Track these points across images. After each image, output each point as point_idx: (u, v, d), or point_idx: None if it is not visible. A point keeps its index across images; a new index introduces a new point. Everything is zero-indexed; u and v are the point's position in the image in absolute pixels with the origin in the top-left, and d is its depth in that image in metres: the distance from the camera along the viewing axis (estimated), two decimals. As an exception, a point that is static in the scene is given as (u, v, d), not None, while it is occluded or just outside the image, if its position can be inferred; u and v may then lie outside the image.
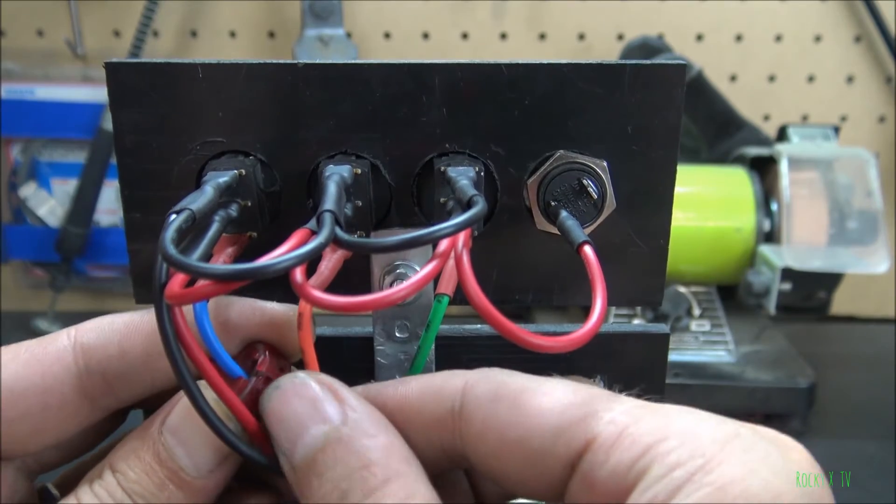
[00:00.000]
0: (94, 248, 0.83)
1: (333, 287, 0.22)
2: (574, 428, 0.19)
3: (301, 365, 0.23)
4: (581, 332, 0.20)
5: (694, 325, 0.72)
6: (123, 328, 0.23)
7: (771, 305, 0.69)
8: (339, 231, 0.20)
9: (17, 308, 0.86)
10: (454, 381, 0.21)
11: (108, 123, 0.79)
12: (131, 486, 0.21)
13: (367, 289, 0.26)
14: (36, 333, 0.83)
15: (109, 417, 0.25)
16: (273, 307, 0.24)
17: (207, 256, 0.21)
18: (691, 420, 0.19)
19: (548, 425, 0.20)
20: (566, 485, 0.19)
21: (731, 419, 0.19)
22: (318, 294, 0.19)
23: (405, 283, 0.19)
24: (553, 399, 0.20)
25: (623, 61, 0.24)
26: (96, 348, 0.23)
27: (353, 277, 0.26)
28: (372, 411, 0.21)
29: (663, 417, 0.19)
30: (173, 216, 0.20)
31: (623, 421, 0.19)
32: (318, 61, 0.24)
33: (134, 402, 0.24)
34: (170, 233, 0.19)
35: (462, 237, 0.21)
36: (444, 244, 0.21)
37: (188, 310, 0.22)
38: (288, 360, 0.24)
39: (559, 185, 0.24)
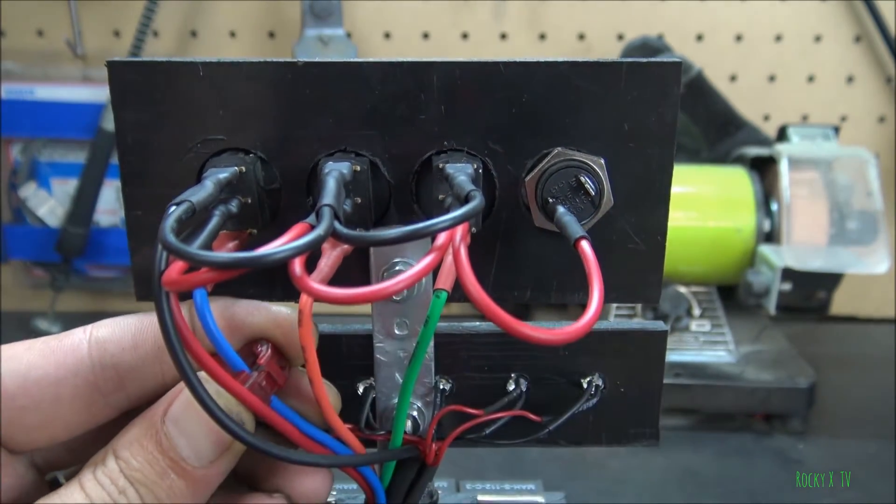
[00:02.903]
0: (94, 248, 0.83)
1: (333, 285, 0.22)
2: None
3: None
4: (578, 325, 0.20)
5: (694, 325, 0.72)
6: (137, 323, 0.24)
7: (771, 305, 0.69)
8: (337, 225, 0.20)
9: (17, 308, 0.87)
10: None
11: (107, 123, 0.79)
12: (133, 473, 0.22)
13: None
14: (36, 333, 0.83)
15: (120, 422, 0.25)
16: (276, 307, 0.24)
17: (207, 247, 0.21)
18: None
19: None
20: None
21: None
22: (318, 286, 0.19)
23: (403, 276, 0.20)
24: None
25: (620, 59, 0.24)
26: (110, 341, 0.23)
27: (352, 275, 0.26)
28: None
29: None
30: (173, 207, 0.20)
31: None
32: (317, 59, 0.24)
33: (143, 402, 0.24)
34: (170, 222, 0.19)
35: (460, 231, 0.21)
36: (441, 238, 0.21)
37: (191, 307, 0.22)
38: (288, 363, 0.24)
39: (557, 183, 0.25)
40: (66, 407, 0.23)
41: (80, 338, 0.23)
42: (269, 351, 0.24)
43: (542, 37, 0.84)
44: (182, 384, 0.23)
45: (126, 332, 0.24)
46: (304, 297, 0.21)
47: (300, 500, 0.26)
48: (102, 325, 0.24)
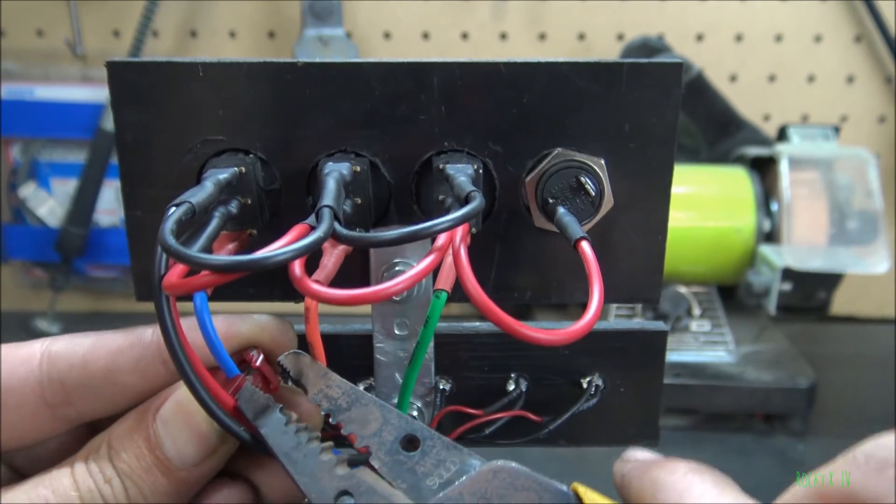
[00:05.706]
0: (93, 248, 0.83)
1: (332, 286, 0.22)
2: None
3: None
4: (578, 325, 0.20)
5: (694, 326, 0.72)
6: (91, 342, 0.24)
7: (771, 305, 0.69)
8: (337, 226, 0.20)
9: (17, 308, 0.86)
10: None
11: (107, 123, 0.79)
12: (121, 465, 0.23)
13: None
14: (36, 333, 0.83)
15: (79, 434, 0.25)
16: (263, 315, 0.25)
17: (207, 250, 0.21)
18: None
19: None
20: None
21: None
22: (318, 287, 0.19)
23: (403, 276, 0.20)
24: None
25: (621, 60, 0.24)
26: (61, 357, 0.24)
27: (352, 277, 0.26)
28: None
29: None
30: (173, 209, 0.20)
31: None
32: (317, 60, 0.24)
33: (94, 418, 0.25)
34: (169, 224, 0.19)
35: (460, 232, 0.21)
36: (442, 238, 0.21)
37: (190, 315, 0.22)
38: (277, 373, 0.24)
39: (557, 183, 0.25)
40: (12, 414, 0.23)
41: (36, 349, 0.24)
42: (261, 356, 0.24)
43: (542, 37, 0.84)
44: (178, 383, 0.23)
45: (78, 349, 0.24)
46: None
47: (273, 495, 0.26)
48: (60, 339, 0.24)
